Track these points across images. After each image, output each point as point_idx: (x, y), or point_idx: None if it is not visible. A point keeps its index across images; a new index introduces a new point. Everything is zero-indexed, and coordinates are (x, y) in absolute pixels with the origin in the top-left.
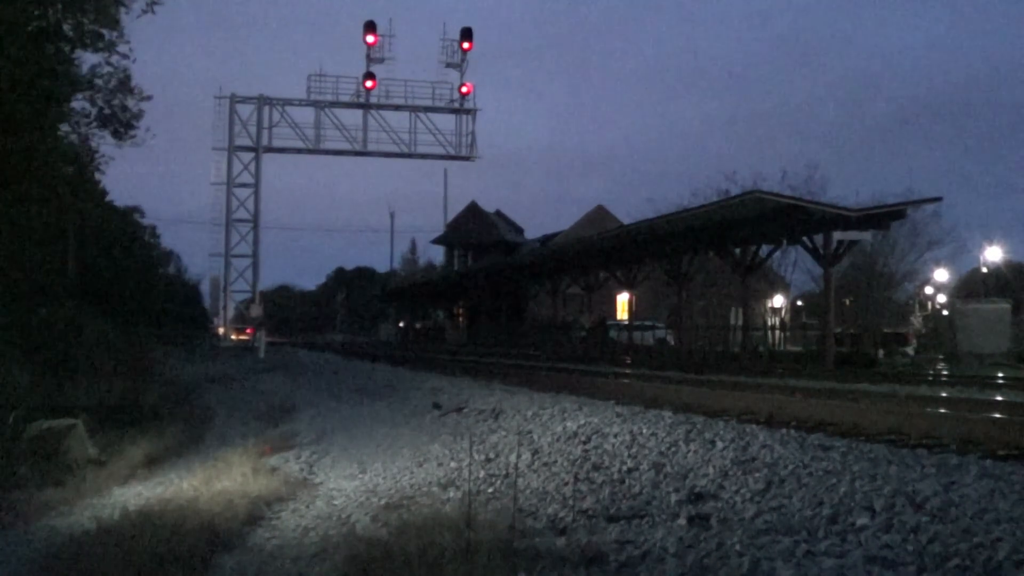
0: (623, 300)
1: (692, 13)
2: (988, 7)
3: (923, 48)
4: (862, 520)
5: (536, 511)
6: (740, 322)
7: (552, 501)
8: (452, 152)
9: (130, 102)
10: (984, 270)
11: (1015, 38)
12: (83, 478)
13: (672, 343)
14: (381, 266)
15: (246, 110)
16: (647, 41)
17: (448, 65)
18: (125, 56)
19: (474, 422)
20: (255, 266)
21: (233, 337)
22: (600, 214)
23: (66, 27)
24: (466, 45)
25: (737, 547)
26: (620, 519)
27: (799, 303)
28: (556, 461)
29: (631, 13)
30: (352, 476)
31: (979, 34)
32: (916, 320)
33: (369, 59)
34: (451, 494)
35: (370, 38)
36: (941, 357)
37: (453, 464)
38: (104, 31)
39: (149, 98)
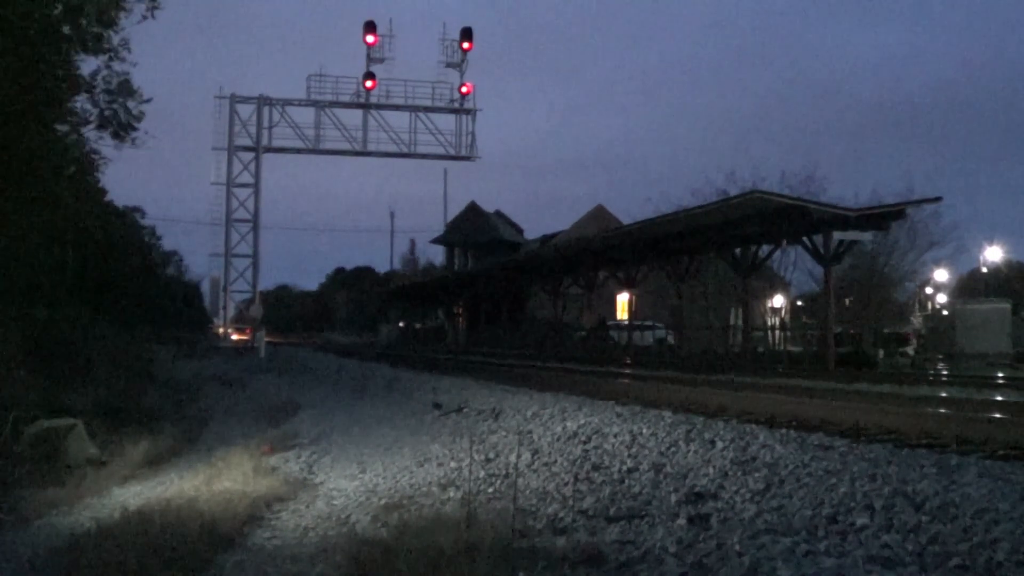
0: (623, 300)
1: (686, 15)
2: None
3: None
4: (862, 520)
5: (536, 511)
6: (740, 322)
7: (552, 501)
8: (452, 152)
9: (131, 104)
10: (984, 270)
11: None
12: (83, 478)
13: (672, 343)
14: (381, 266)
15: (246, 110)
16: (644, 42)
17: (448, 65)
18: (124, 60)
19: (474, 422)
20: (255, 266)
21: (233, 337)
22: (600, 214)
23: (65, 29)
24: (466, 45)
25: (737, 547)
26: (620, 519)
27: (799, 303)
28: (556, 461)
29: (626, 14)
30: (352, 476)
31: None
32: (916, 320)
33: (369, 59)
34: (451, 494)
35: (370, 38)
36: (941, 357)
37: (453, 464)
38: (105, 33)
39: (149, 100)
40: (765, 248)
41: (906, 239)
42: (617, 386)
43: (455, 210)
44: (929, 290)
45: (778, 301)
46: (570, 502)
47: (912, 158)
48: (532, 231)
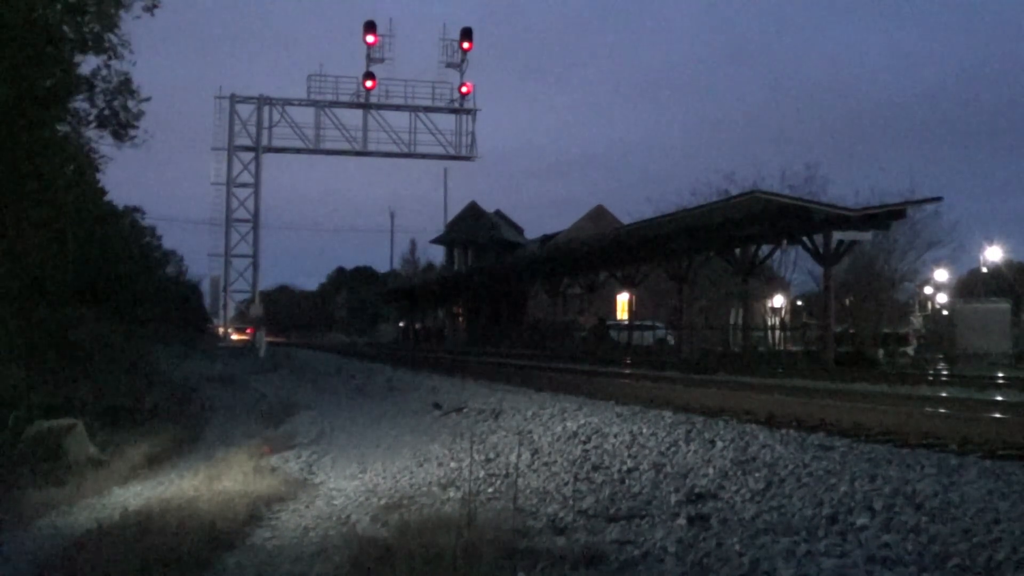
0: (623, 300)
1: (686, 15)
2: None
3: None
4: (862, 520)
5: (536, 511)
6: (740, 322)
7: (552, 501)
8: (452, 152)
9: (131, 103)
10: (984, 270)
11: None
12: (83, 478)
13: (672, 343)
14: (381, 266)
15: (246, 110)
16: (644, 42)
17: (448, 65)
18: (124, 59)
19: (474, 422)
20: (255, 266)
21: (233, 337)
22: (600, 214)
23: (66, 28)
24: (466, 45)
25: (737, 547)
26: (620, 519)
27: (799, 303)
28: (556, 461)
29: (627, 13)
30: (352, 476)
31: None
32: (916, 320)
33: (369, 59)
34: (451, 494)
35: (370, 38)
36: (941, 357)
37: (453, 464)
38: (105, 34)
39: (148, 99)
40: (765, 248)
41: (906, 239)
42: (617, 386)
43: (455, 210)
44: (929, 290)
45: (778, 301)
46: (570, 502)
47: (912, 158)
48: (532, 231)
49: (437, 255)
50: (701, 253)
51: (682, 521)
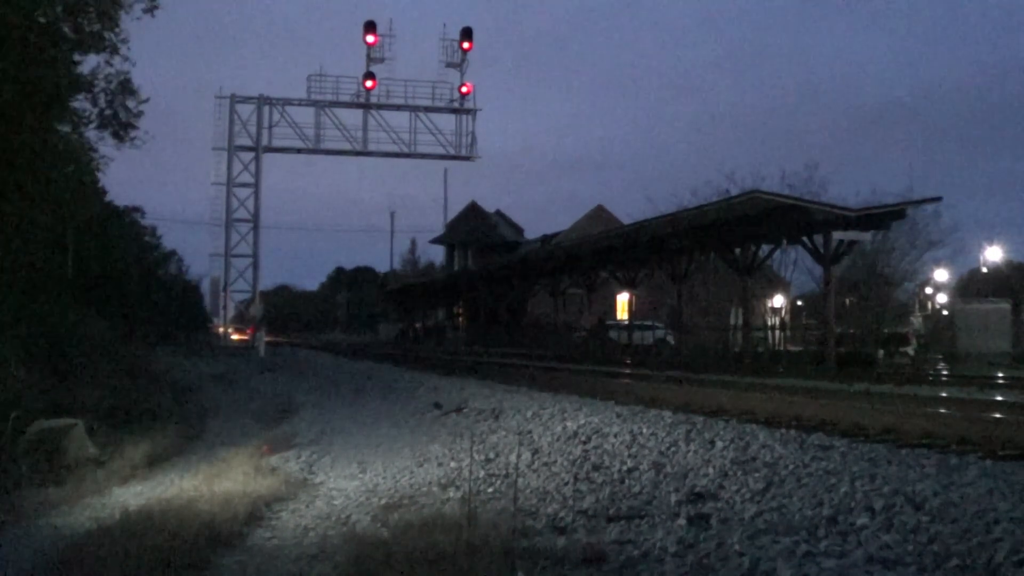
0: (623, 300)
1: (686, 16)
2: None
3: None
4: (862, 520)
5: (536, 511)
6: (740, 322)
7: (552, 501)
8: (452, 152)
9: (131, 103)
10: (984, 270)
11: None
12: (83, 478)
13: (672, 343)
14: (381, 266)
15: (246, 110)
16: (645, 42)
17: (448, 65)
18: (126, 58)
19: (474, 422)
20: (255, 266)
21: (233, 337)
22: (600, 214)
23: (66, 28)
24: (466, 45)
25: (737, 547)
26: (620, 519)
27: (799, 303)
28: (556, 461)
29: (627, 14)
30: (352, 476)
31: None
32: (916, 320)
33: (369, 59)
34: (451, 494)
35: (370, 38)
36: (941, 357)
37: (453, 464)
38: (105, 33)
39: (147, 100)
40: (765, 248)
41: (906, 239)
42: (617, 386)
43: (455, 210)
44: (929, 290)
45: (778, 301)
46: (570, 502)
47: (912, 158)
48: (532, 231)
49: (437, 255)
50: (701, 253)
51: (682, 521)
